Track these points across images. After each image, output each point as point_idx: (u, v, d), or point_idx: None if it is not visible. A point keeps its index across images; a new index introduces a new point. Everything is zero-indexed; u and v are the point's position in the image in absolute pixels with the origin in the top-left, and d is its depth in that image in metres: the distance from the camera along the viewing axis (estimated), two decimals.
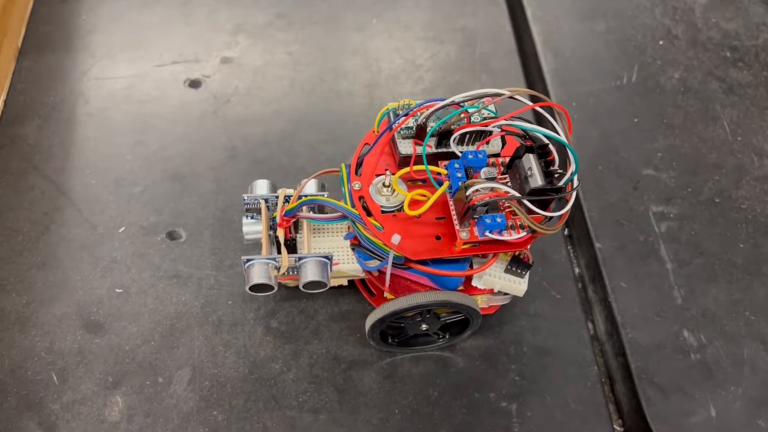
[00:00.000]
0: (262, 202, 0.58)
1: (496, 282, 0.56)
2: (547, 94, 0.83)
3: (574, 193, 0.50)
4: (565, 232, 0.74)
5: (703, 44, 0.89)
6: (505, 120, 0.51)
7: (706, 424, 0.61)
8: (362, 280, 0.65)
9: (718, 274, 0.69)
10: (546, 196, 0.49)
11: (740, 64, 0.87)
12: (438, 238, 0.52)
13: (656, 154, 0.78)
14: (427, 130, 0.53)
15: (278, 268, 0.55)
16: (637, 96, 0.84)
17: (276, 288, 0.55)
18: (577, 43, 0.89)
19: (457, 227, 0.51)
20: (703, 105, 0.83)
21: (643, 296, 0.68)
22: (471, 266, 0.56)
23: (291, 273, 0.57)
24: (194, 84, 0.82)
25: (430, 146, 0.53)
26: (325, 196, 0.58)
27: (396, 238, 0.51)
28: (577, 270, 0.71)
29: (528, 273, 0.56)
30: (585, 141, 0.79)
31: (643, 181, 0.76)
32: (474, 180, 0.49)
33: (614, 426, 0.62)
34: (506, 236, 0.50)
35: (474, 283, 0.57)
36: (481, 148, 0.53)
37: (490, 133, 0.53)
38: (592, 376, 0.63)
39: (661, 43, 0.89)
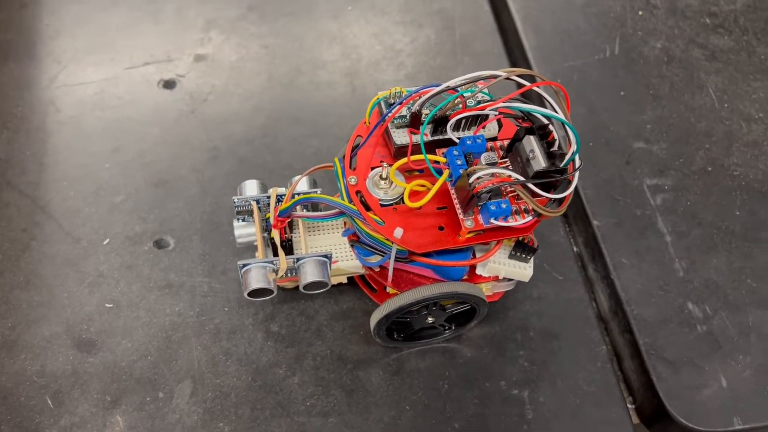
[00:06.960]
0: (254, 203, 0.56)
1: (502, 269, 0.55)
2: None
3: (577, 173, 0.49)
4: None
5: (683, 12, 0.88)
6: (503, 102, 0.49)
7: (718, 396, 0.60)
8: (362, 276, 0.63)
9: (717, 243, 0.69)
10: (550, 178, 0.48)
11: (720, 30, 0.86)
12: (441, 228, 0.51)
13: (645, 126, 0.77)
14: (422, 118, 0.52)
15: (276, 271, 0.53)
16: (622, 68, 0.82)
17: (276, 292, 0.53)
18: (557, 18, 0.87)
19: (461, 216, 0.49)
20: (687, 74, 0.82)
21: (644, 271, 0.67)
22: (474, 255, 0.54)
23: (290, 275, 0.55)
24: (168, 84, 0.79)
25: (426, 134, 0.52)
26: (319, 192, 0.56)
27: (398, 232, 0.49)
28: (576, 249, 0.70)
29: (533, 257, 0.55)
30: (574, 118, 0.76)
31: (635, 155, 0.75)
32: (476, 167, 0.48)
33: (627, 404, 0.61)
34: (512, 222, 0.49)
35: (478, 271, 0.55)
36: (478, 133, 0.52)
37: (486, 117, 0.52)
38: (601, 356, 0.62)
39: (640, 13, 0.88)
